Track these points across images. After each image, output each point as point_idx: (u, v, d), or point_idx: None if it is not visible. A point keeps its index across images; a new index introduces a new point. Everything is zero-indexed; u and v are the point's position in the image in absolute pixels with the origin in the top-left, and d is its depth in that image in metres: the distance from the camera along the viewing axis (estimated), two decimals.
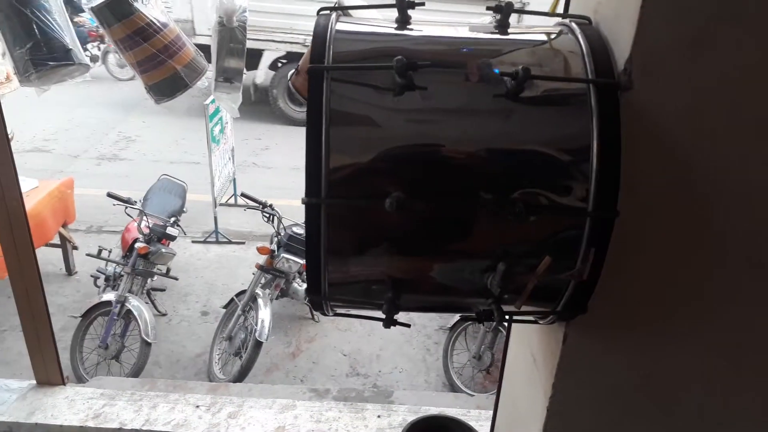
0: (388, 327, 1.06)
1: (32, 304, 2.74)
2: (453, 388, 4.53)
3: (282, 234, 5.03)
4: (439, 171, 0.93)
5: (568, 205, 0.94)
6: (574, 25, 1.03)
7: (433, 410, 2.76)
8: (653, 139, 0.97)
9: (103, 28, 2.88)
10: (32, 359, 2.87)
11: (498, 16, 1.05)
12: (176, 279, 5.48)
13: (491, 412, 1.79)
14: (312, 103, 0.90)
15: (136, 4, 2.83)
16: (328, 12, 1.04)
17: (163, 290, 5.41)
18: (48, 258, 5.66)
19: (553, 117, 0.97)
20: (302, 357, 4.91)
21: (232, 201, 7.28)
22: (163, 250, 4.95)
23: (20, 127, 9.08)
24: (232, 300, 4.83)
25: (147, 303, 4.89)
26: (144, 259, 4.80)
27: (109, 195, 4.98)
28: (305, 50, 0.99)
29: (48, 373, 2.89)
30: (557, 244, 0.97)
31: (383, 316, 1.02)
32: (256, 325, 4.45)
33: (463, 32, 1.08)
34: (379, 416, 2.83)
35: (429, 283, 1.04)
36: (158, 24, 2.87)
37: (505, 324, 1.80)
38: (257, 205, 5.08)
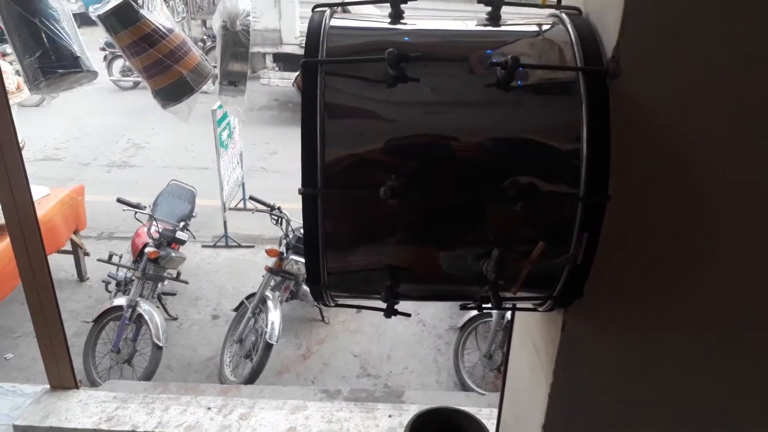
0: (389, 316, 1.08)
1: (45, 310, 2.78)
2: (464, 387, 4.53)
3: (291, 236, 5.06)
4: (432, 160, 0.95)
5: (560, 191, 0.95)
6: (564, 15, 1.05)
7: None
8: (643, 124, 0.99)
9: (109, 35, 2.93)
10: (46, 364, 2.91)
11: (490, 9, 1.06)
12: (186, 283, 5.52)
13: None
14: (307, 96, 0.93)
15: (142, 11, 2.87)
16: (323, 8, 1.06)
17: (173, 294, 5.46)
18: (60, 264, 5.73)
19: (543, 105, 0.98)
20: (313, 358, 4.94)
21: (241, 205, 7.33)
22: (173, 254, 4.99)
23: (31, 137, 9.18)
24: (242, 303, 4.85)
25: (158, 307, 4.94)
26: (154, 263, 4.84)
27: (119, 200, 5.04)
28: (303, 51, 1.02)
29: (61, 377, 2.93)
30: (551, 230, 0.98)
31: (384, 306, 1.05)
32: (267, 327, 4.48)
33: (456, 25, 1.10)
34: (390, 416, 2.85)
35: (426, 271, 1.06)
36: (164, 30, 2.92)
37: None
38: (266, 207, 5.11)
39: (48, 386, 2.97)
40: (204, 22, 14.24)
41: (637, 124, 0.99)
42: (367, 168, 0.95)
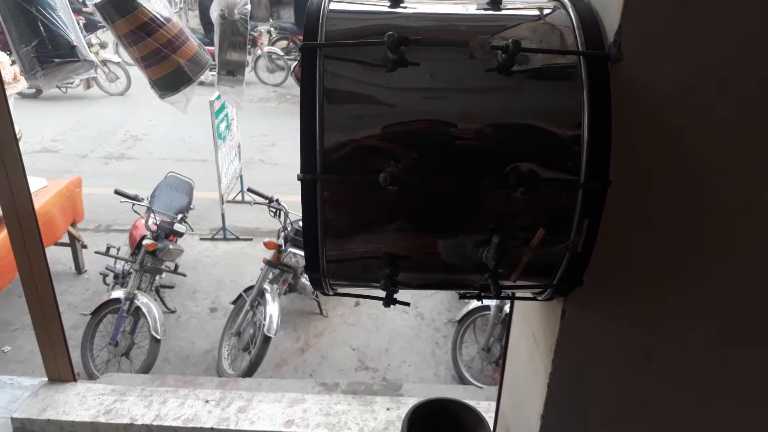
0: (388, 305, 1.07)
1: (43, 302, 2.77)
2: (462, 380, 4.53)
3: (289, 229, 5.04)
4: (432, 146, 0.94)
5: (561, 178, 0.94)
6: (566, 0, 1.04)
7: None
8: (645, 109, 0.98)
9: (107, 24, 2.90)
10: (44, 357, 2.91)
11: None
12: (185, 276, 5.51)
13: None
14: (306, 81, 0.91)
15: (139, 0, 2.85)
16: None
17: (171, 287, 5.45)
18: (57, 257, 5.71)
19: (544, 90, 0.97)
20: (311, 352, 4.93)
21: (239, 198, 7.31)
22: (171, 246, 4.97)
23: (28, 128, 9.15)
24: (240, 296, 4.84)
25: (156, 300, 4.92)
26: (152, 256, 4.82)
27: (117, 192, 5.01)
28: None
29: (59, 370, 2.93)
30: (551, 217, 0.97)
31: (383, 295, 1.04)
32: (265, 320, 4.46)
33: (456, 9, 1.09)
34: (388, 409, 2.84)
35: (426, 259, 1.05)
36: (161, 19, 2.90)
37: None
38: (264, 200, 5.09)
39: (46, 379, 2.96)
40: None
41: (639, 109, 0.98)
42: (366, 154, 0.94)
